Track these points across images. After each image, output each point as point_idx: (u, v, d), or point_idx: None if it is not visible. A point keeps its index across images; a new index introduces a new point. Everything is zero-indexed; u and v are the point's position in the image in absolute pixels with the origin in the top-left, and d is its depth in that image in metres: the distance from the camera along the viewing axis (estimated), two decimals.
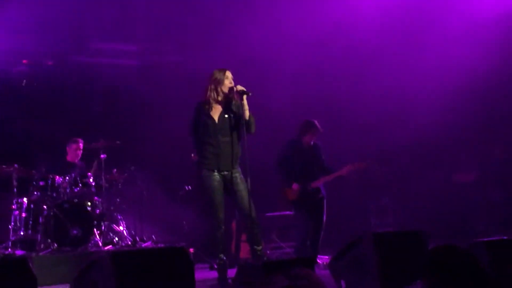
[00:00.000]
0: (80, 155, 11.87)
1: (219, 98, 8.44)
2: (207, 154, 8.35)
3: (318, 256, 10.23)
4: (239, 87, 8.35)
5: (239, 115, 8.40)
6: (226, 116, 8.44)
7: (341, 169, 10.34)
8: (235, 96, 8.45)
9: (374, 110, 13.22)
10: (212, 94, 8.43)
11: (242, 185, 8.32)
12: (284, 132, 12.07)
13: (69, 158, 11.84)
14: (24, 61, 13.15)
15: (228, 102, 8.49)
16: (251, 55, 13.11)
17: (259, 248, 8.30)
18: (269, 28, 12.84)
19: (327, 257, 9.93)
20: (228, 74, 8.47)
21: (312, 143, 10.59)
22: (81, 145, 11.82)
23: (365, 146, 13.11)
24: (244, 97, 8.30)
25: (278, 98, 13.32)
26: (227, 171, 8.35)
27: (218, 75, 8.45)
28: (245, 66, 12.21)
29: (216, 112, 8.43)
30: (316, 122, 10.52)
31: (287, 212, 11.36)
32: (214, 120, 8.38)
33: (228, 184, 8.36)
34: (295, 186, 10.38)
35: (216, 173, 8.31)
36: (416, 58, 12.95)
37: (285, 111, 13.30)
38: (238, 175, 8.38)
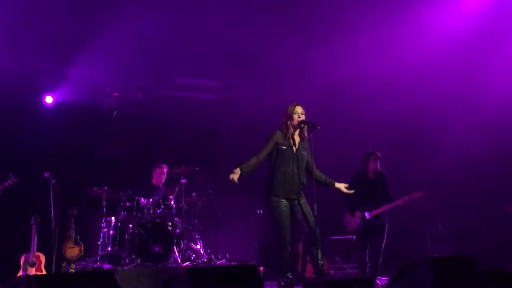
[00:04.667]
0: (163, 179, 12.02)
1: (290, 131, 8.47)
2: (278, 181, 8.35)
3: (377, 277, 10.16)
4: (304, 120, 8.43)
5: (309, 149, 8.46)
6: (298, 148, 8.46)
7: (398, 200, 10.35)
8: (305, 130, 8.47)
9: (437, 136, 13.08)
10: (284, 127, 8.47)
11: (307, 207, 8.36)
12: (345, 159, 12.09)
13: (154, 181, 12.01)
14: (115, 94, 13.38)
15: (300, 135, 8.53)
16: (324, 90, 13.07)
17: (321, 262, 8.24)
18: (343, 64, 12.80)
19: (385, 278, 9.84)
20: (298, 108, 8.47)
21: (377, 172, 10.57)
22: (165, 170, 11.96)
23: (423, 172, 12.99)
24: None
25: (346, 128, 13.30)
26: (294, 198, 8.37)
27: (289, 109, 8.49)
28: (318, 99, 12.22)
29: (290, 143, 8.46)
30: (373, 151, 10.56)
31: (350, 236, 11.29)
32: (288, 150, 8.40)
33: (295, 208, 8.36)
34: (357, 214, 10.37)
35: (284, 200, 8.32)
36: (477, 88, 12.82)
37: (348, 141, 13.22)
38: (303, 199, 8.41)
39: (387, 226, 10.43)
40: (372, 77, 13.09)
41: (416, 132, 13.29)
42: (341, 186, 8.75)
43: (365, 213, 10.31)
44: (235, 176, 8.21)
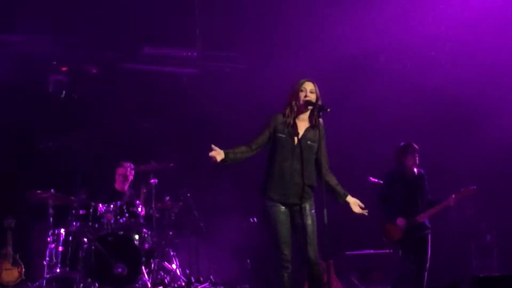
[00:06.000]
0: (129, 181, 11.90)
1: (294, 114, 8.30)
2: (274, 180, 8.11)
3: None
4: (310, 100, 8.20)
5: (320, 139, 8.21)
6: (303, 137, 8.18)
7: (447, 199, 10.33)
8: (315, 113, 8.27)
9: (485, 120, 12.99)
10: (287, 110, 8.30)
11: (311, 218, 8.07)
12: (368, 151, 12.02)
13: (117, 185, 11.89)
14: (63, 68, 13.22)
15: (311, 120, 8.30)
16: (343, 62, 12.93)
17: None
18: (368, 30, 12.70)
19: None
20: (307, 85, 8.15)
21: (416, 171, 10.59)
22: (129, 169, 11.83)
23: (467, 167, 12.93)
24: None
25: (371, 111, 13.22)
26: (295, 203, 8.11)
27: (296, 86, 8.24)
28: (333, 74, 12.15)
29: (291, 130, 8.20)
30: (408, 142, 10.55)
31: (370, 251, 11.28)
32: (287, 140, 8.15)
33: (295, 217, 8.07)
34: (400, 221, 10.34)
35: (280, 204, 8.06)
36: None
37: (372, 127, 13.15)
38: (308, 207, 8.13)
39: (429, 235, 10.47)
40: (404, 47, 12.97)
41: (457, 115, 13.19)
42: (355, 202, 8.21)
43: (411, 219, 10.32)
44: (217, 155, 7.91)
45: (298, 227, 8.04)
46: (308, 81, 8.25)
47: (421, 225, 10.37)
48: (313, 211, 8.07)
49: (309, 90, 8.17)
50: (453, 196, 10.26)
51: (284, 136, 8.14)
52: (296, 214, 8.06)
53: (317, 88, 8.17)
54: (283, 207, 8.07)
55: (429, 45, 12.79)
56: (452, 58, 12.92)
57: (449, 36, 12.69)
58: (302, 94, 8.17)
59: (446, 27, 12.59)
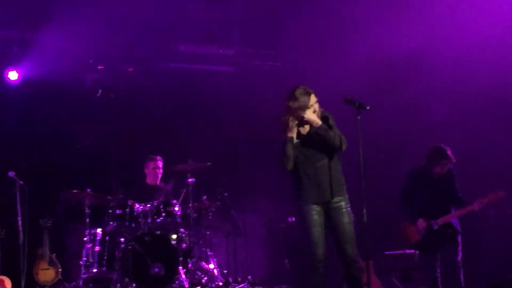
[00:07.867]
0: (160, 175, 11.94)
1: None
2: (304, 182, 8.06)
3: None
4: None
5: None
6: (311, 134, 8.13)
7: (472, 204, 10.09)
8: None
9: None
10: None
11: (346, 217, 8.00)
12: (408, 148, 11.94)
13: (148, 180, 11.94)
14: (100, 67, 13.28)
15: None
16: (366, 62, 12.78)
17: None
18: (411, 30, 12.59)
19: None
20: (312, 98, 8.15)
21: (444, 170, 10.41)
22: (159, 163, 11.87)
23: None
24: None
25: (392, 116, 13.09)
26: (327, 200, 8.02)
27: (298, 105, 8.15)
28: (370, 73, 12.11)
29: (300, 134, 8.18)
30: (448, 150, 10.30)
31: (410, 251, 11.16)
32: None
33: (330, 216, 8.01)
34: (420, 223, 10.20)
35: (314, 205, 8.02)
36: None
37: (394, 130, 13.03)
38: (343, 204, 8.04)
39: (459, 235, 10.25)
40: (450, 46, 12.70)
41: (503, 115, 12.95)
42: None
43: (431, 222, 10.17)
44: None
45: (334, 226, 8.00)
46: (307, 94, 8.11)
47: (444, 226, 10.17)
48: (348, 208, 7.99)
49: (314, 101, 8.05)
50: (478, 200, 10.04)
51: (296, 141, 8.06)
52: (331, 212, 7.99)
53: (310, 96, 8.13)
54: (316, 207, 7.99)
55: (476, 44, 12.56)
56: (498, 58, 12.69)
57: (497, 35, 12.45)
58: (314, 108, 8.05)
59: (494, 25, 12.36)
